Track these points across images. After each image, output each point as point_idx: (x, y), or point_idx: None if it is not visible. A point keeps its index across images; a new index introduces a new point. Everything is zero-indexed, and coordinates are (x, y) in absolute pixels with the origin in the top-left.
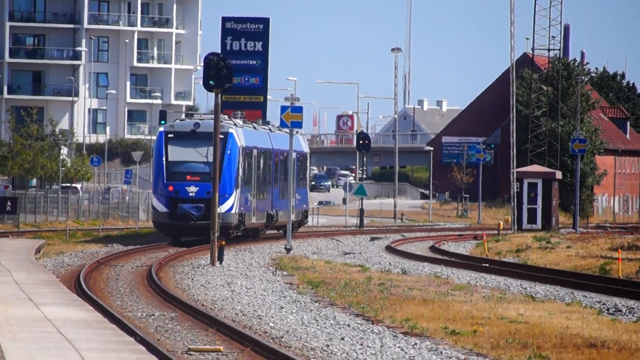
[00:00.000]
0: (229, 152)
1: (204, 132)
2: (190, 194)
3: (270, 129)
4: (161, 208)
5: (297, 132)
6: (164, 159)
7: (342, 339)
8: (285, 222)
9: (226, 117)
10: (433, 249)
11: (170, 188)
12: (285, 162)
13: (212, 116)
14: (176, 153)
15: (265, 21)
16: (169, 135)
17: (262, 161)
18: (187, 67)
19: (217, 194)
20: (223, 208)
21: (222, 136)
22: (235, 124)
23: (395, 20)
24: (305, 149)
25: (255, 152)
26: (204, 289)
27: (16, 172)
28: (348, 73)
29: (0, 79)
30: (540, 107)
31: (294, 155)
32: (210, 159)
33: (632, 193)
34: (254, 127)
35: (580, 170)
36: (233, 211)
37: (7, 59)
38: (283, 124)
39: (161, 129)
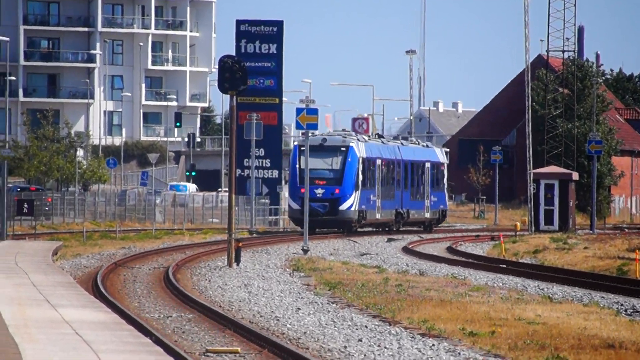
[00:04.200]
0: (349, 160)
1: (329, 146)
2: (318, 195)
3: (402, 143)
4: (295, 206)
5: (427, 144)
6: (297, 167)
7: (360, 340)
8: (417, 219)
9: (353, 133)
10: (450, 250)
11: (302, 190)
12: (416, 170)
13: (338, 133)
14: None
15: (279, 24)
16: (302, 148)
17: (387, 168)
18: (202, 69)
19: (233, 198)
20: (344, 206)
21: (344, 148)
22: (357, 139)
23: (409, 22)
24: (442, 159)
25: (378, 161)
26: (222, 291)
27: (32, 174)
28: (363, 75)
29: (16, 82)
30: (556, 108)
31: (428, 164)
32: (334, 167)
33: None
34: (382, 142)
35: (597, 171)
36: (353, 208)
37: (22, 62)
38: (299, 126)
39: (295, 142)
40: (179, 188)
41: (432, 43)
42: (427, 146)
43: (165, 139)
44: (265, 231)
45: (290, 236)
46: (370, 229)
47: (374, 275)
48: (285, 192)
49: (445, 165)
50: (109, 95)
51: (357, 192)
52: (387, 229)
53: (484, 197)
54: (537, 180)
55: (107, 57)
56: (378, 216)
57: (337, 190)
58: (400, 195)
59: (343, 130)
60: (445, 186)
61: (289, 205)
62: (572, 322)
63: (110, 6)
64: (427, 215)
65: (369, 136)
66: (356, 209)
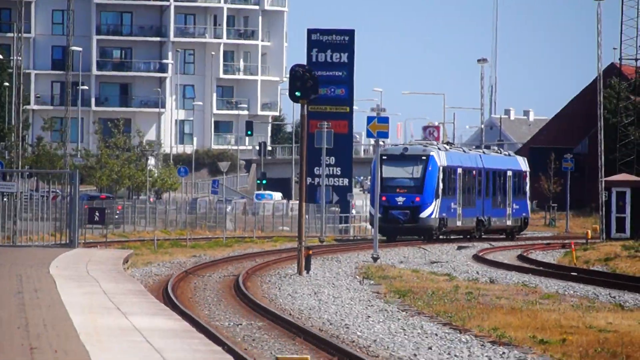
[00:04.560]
0: (429, 169)
1: (411, 155)
2: (399, 203)
3: (483, 152)
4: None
5: (509, 153)
6: (379, 175)
7: (430, 348)
8: (499, 227)
9: (435, 142)
10: (521, 257)
11: (384, 198)
12: (497, 178)
13: (420, 142)
14: (389, 171)
15: (350, 33)
16: (383, 157)
17: (468, 177)
18: (273, 78)
19: (303, 206)
20: (424, 214)
21: (424, 157)
22: (438, 148)
23: (481, 31)
24: (524, 167)
25: (459, 170)
26: (291, 298)
27: (104, 183)
28: (434, 83)
29: (88, 92)
30: (628, 116)
31: (509, 172)
32: (415, 176)
33: None
34: (463, 151)
35: None
36: (433, 216)
37: (94, 71)
38: (369, 134)
39: None
40: (264, 196)
41: (504, 51)
42: (509, 155)
43: (236, 147)
44: (336, 239)
45: (360, 244)
46: (451, 236)
47: (444, 283)
48: (354, 200)
49: (527, 173)
50: (180, 105)
51: (437, 200)
52: (468, 236)
53: (555, 205)
54: (608, 188)
55: (179, 66)
56: (459, 223)
57: (417, 199)
58: (481, 203)
59: (424, 139)
60: (528, 194)
61: (370, 213)
62: None
63: (182, 16)
64: (509, 222)
65: (450, 145)
66: (436, 216)
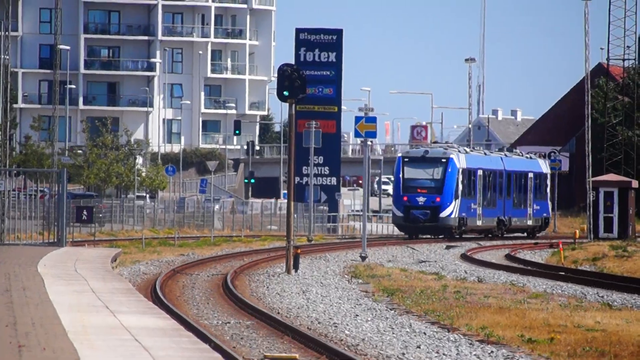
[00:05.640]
0: (449, 170)
1: (431, 157)
2: (420, 203)
3: (505, 154)
4: (398, 213)
5: (531, 156)
6: (400, 176)
7: (418, 347)
8: (520, 227)
9: (455, 145)
10: (509, 257)
11: (405, 198)
12: (518, 179)
13: (440, 145)
14: (410, 172)
15: (338, 32)
16: (405, 159)
17: (488, 178)
18: (261, 77)
19: (292, 205)
20: (444, 214)
21: (444, 160)
22: (458, 151)
23: (468, 30)
24: (545, 170)
25: (480, 172)
26: (280, 297)
27: (92, 182)
28: (422, 83)
29: (76, 90)
30: (616, 116)
31: (531, 174)
32: (435, 177)
33: None
34: (485, 153)
35: None
36: (452, 216)
37: (82, 70)
38: (357, 134)
39: (399, 154)
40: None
41: (492, 50)
42: (531, 157)
43: (224, 146)
44: (324, 238)
45: (348, 243)
46: (471, 235)
47: (433, 282)
48: (343, 199)
49: (549, 175)
50: (168, 104)
51: (457, 200)
52: (489, 235)
53: None
54: (596, 188)
55: (167, 65)
56: (479, 223)
57: (437, 199)
58: (502, 204)
59: (446, 142)
60: (549, 195)
61: (393, 212)
62: (631, 329)
63: (170, 15)
64: (530, 222)
65: (472, 148)
66: (456, 216)
